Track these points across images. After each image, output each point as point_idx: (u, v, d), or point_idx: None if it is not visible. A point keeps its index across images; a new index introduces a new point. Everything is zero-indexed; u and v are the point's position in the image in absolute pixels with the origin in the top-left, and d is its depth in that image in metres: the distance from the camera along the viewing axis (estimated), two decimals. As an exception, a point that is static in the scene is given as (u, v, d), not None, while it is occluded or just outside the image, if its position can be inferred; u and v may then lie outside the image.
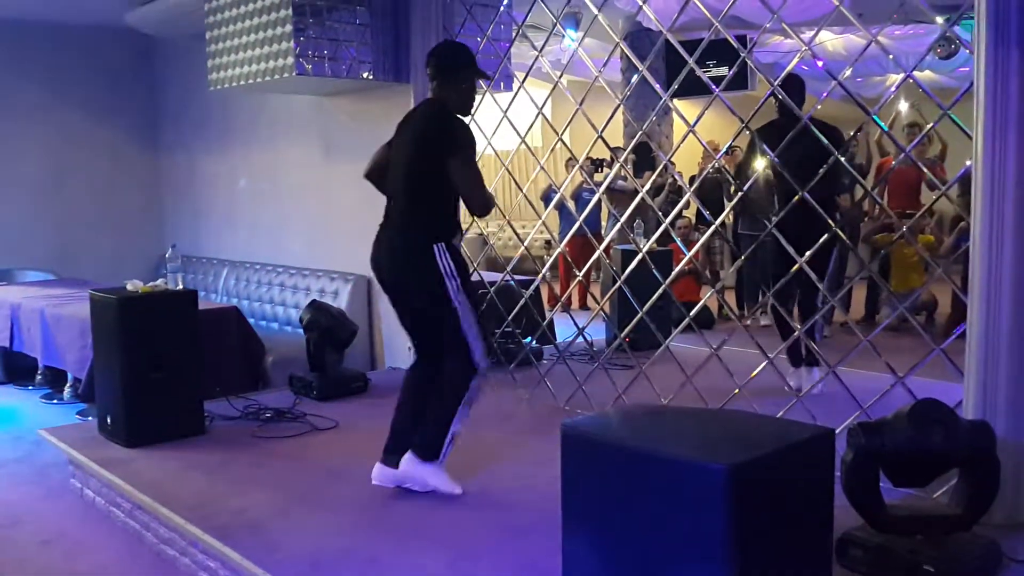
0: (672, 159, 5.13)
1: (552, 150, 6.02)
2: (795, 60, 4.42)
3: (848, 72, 4.25)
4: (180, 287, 4.81)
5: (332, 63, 5.60)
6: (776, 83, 4.48)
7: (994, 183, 3.17)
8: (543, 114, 5.20)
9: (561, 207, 8.11)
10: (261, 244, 7.58)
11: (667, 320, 6.19)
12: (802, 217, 4.27)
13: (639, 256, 4.93)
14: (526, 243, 5.53)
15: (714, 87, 4.39)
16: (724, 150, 6.73)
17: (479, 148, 5.60)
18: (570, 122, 5.15)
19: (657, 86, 4.83)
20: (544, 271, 5.53)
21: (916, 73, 3.95)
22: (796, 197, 4.16)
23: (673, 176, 7.58)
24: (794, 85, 4.91)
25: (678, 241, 5.32)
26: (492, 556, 3.17)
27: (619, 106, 4.94)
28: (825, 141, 4.18)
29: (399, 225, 3.70)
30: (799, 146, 4.32)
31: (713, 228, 4.89)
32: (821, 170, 4.18)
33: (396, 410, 3.86)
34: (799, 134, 4.24)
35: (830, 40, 9.84)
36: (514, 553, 3.18)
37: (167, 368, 4.51)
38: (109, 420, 4.56)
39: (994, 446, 2.92)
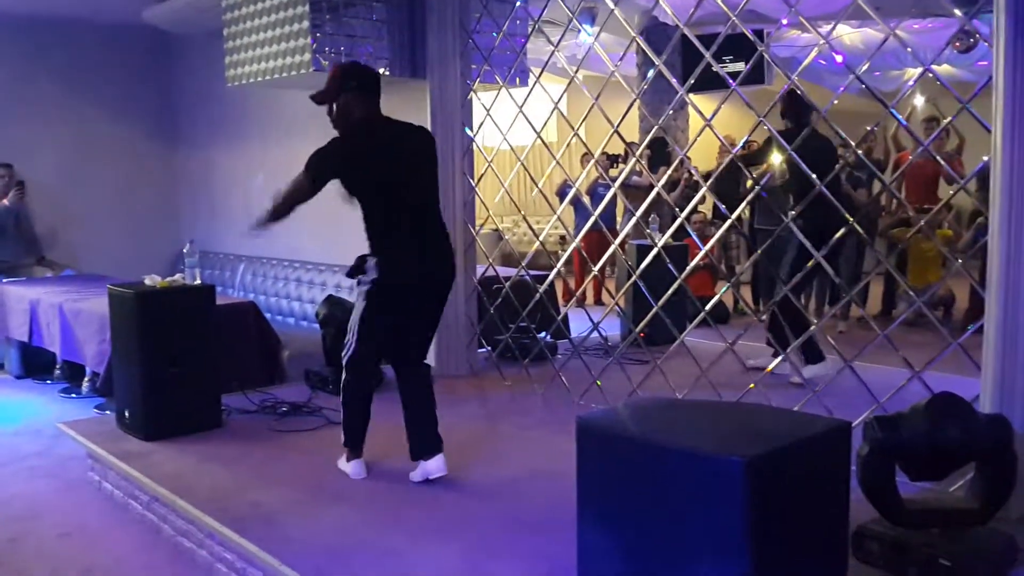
0: (688, 154, 5.12)
1: (567, 145, 6.03)
2: (812, 54, 4.39)
3: (866, 66, 4.23)
4: (198, 282, 4.84)
5: (349, 59, 5.61)
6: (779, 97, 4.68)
7: (1012, 177, 3.15)
8: (559, 109, 5.20)
9: (576, 202, 8.11)
10: (278, 240, 7.58)
11: (682, 315, 6.18)
12: (820, 215, 4.45)
13: (654, 251, 4.93)
14: (541, 238, 5.53)
15: (731, 81, 4.38)
16: (741, 144, 6.70)
17: (496, 142, 5.61)
18: (586, 117, 5.14)
19: (673, 80, 4.81)
20: (559, 266, 5.53)
21: (934, 67, 3.93)
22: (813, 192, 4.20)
23: (689, 171, 7.56)
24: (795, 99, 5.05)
25: (693, 236, 5.31)
26: (507, 549, 3.18)
27: (635, 101, 4.93)
28: (843, 135, 4.22)
29: (443, 234, 3.95)
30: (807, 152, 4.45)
31: (729, 223, 4.88)
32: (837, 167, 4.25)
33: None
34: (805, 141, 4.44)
35: (848, 34, 9.76)
36: (529, 546, 3.18)
37: (185, 362, 4.54)
38: (127, 414, 4.59)
39: (1011, 440, 2.91)
